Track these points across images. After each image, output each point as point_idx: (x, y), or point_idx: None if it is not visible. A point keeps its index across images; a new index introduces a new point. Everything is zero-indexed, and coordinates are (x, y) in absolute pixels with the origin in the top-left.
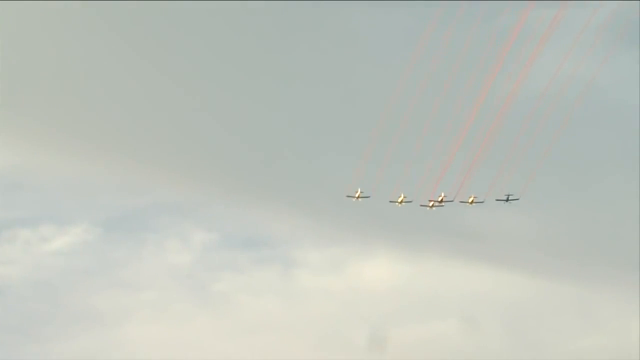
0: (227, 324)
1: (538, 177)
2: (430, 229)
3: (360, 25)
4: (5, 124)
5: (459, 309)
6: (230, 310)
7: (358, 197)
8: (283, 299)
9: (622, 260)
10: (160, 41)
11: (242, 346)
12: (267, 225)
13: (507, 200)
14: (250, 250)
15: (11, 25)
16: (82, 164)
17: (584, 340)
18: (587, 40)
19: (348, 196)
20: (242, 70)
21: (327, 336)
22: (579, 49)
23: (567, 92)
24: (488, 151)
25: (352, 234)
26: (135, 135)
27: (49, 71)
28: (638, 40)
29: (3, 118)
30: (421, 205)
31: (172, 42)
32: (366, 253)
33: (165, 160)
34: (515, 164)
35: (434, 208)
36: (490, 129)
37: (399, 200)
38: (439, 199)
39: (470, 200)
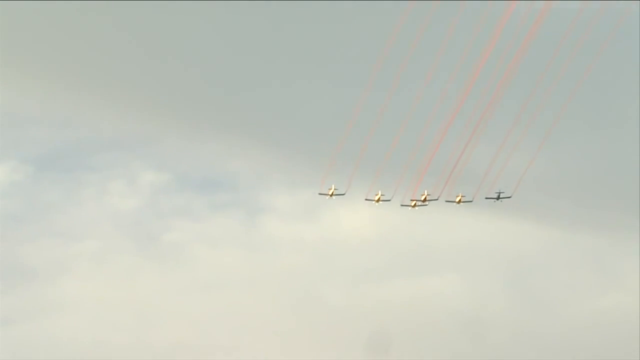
0: (180, 279)
1: (550, 115)
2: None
3: None
4: None
5: (455, 263)
6: (184, 263)
7: (331, 194)
8: (246, 251)
9: None
10: None
11: (197, 305)
12: (228, 164)
13: (498, 198)
14: (208, 193)
15: None
16: (9, 92)
17: (601, 299)
18: None
19: (321, 194)
20: None
21: (298, 295)
22: None
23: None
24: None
25: (330, 173)
26: (74, 59)
27: None
28: None
29: None
30: (402, 205)
31: None
32: (345, 197)
33: (109, 88)
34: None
35: (416, 207)
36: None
37: (376, 198)
38: (422, 197)
39: (457, 200)
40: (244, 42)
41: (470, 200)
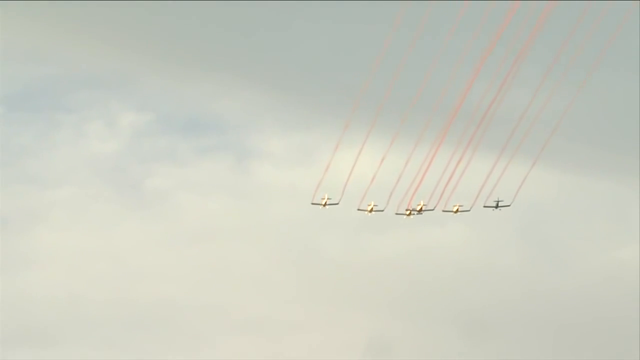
0: (164, 230)
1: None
2: (426, 108)
3: None
4: None
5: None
6: (168, 213)
7: (325, 204)
8: (236, 200)
9: None
10: None
11: (182, 259)
12: (216, 103)
13: (497, 206)
14: (194, 136)
15: None
16: None
17: (621, 251)
18: None
19: (314, 204)
20: None
21: (293, 248)
22: None
23: None
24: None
25: (327, 114)
26: None
27: None
28: None
29: None
30: (397, 214)
31: None
32: (345, 140)
33: (86, 20)
34: None
35: (411, 216)
36: None
37: (369, 208)
38: (418, 207)
39: (455, 209)
40: None
41: (468, 209)
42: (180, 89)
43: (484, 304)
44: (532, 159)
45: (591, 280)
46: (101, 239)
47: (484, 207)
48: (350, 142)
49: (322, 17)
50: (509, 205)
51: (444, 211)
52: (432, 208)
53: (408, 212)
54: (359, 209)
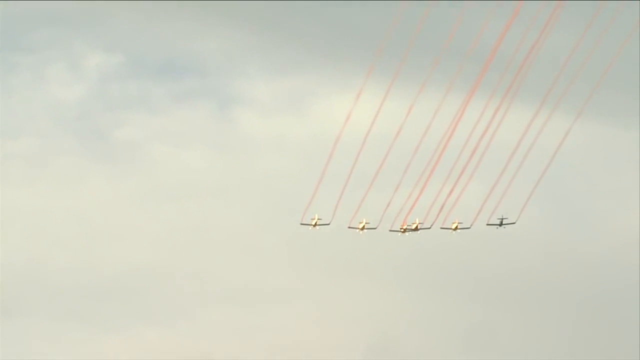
0: (135, 187)
1: None
2: (433, 48)
3: None
4: None
5: (472, 165)
6: (140, 167)
7: (315, 224)
8: (217, 152)
9: None
10: None
11: (156, 219)
12: (194, 44)
13: (501, 224)
14: (169, 80)
15: None
16: None
17: None
18: None
19: (303, 224)
20: None
21: (281, 207)
22: None
23: None
24: None
25: (320, 56)
26: None
27: None
28: None
29: None
30: (391, 231)
31: None
32: (340, 84)
33: None
34: None
35: (406, 233)
36: None
37: (360, 226)
38: (413, 225)
39: (454, 227)
40: None
41: (468, 227)
42: (153, 26)
43: (498, 267)
44: (554, 103)
45: (620, 241)
46: (64, 197)
47: (487, 225)
48: (351, 87)
49: None
50: (514, 223)
51: (442, 228)
52: (428, 226)
53: (403, 230)
54: (349, 227)
